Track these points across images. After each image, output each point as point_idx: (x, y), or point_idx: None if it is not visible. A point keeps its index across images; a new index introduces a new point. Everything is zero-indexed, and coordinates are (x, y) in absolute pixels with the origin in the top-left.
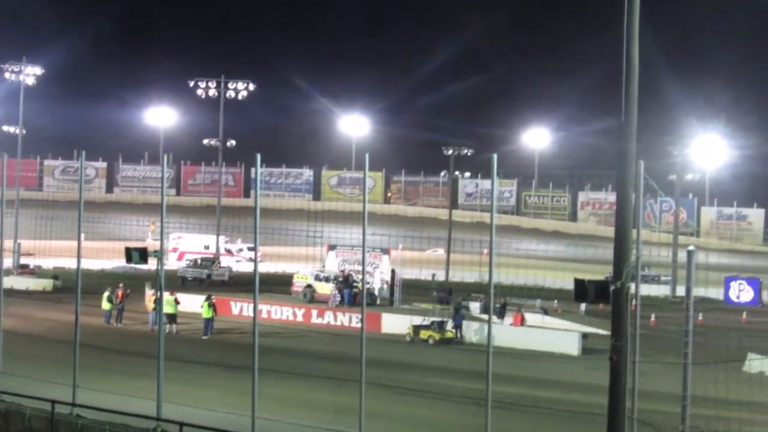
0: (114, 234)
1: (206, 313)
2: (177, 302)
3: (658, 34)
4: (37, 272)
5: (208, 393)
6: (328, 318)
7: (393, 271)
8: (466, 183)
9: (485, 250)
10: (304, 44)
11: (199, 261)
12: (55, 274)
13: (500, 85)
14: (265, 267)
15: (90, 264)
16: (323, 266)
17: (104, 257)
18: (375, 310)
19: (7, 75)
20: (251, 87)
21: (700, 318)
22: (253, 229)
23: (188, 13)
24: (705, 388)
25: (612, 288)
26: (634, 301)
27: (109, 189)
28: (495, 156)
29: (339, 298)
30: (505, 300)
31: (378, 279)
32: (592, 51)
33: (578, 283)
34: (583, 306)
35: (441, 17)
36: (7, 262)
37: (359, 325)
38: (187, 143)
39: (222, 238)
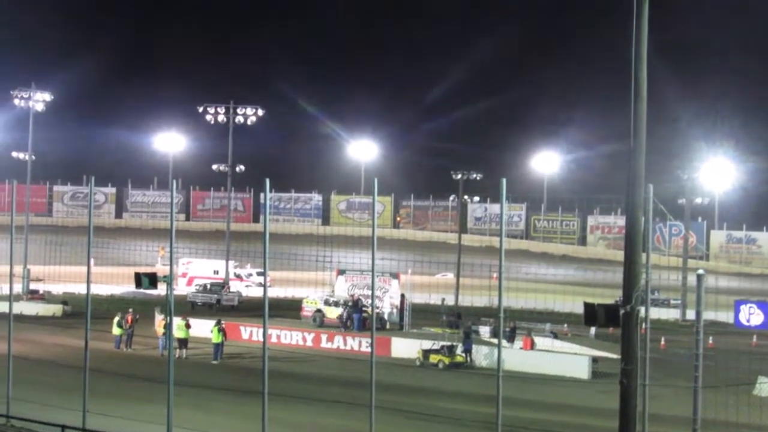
0: (123, 259)
1: (216, 337)
2: (188, 327)
3: (667, 58)
4: (46, 298)
5: (217, 418)
6: (338, 342)
7: (402, 296)
8: (475, 207)
9: (495, 274)
10: (313, 69)
11: (208, 286)
12: (65, 300)
13: (509, 110)
14: (275, 292)
15: (99, 289)
16: (333, 291)
17: (114, 282)
18: (385, 335)
19: (16, 101)
20: (260, 112)
21: (711, 341)
22: (263, 253)
23: (197, 39)
24: (715, 412)
25: (622, 312)
26: (643, 325)
27: (119, 214)
28: (504, 180)
29: (345, 325)
30: (515, 324)
31: (387, 303)
32: (601, 75)
33: (588, 306)
34: (593, 330)
35: (450, 42)
36: (17, 288)
37: (369, 350)
38: (197, 169)
39: (231, 263)
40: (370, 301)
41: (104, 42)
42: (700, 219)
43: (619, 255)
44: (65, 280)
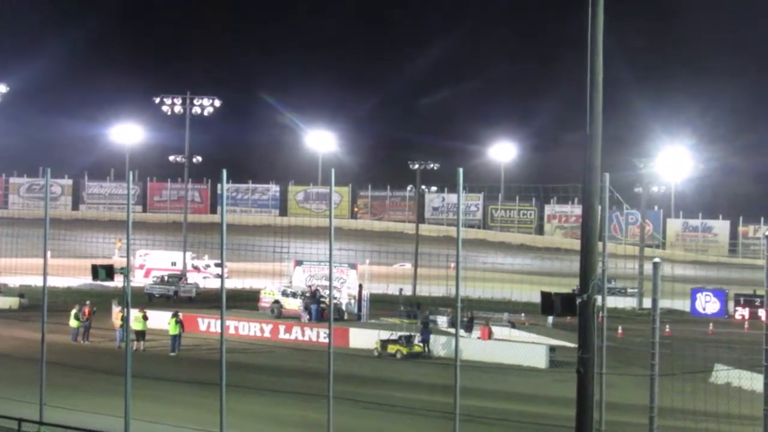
0: (80, 251)
1: (173, 329)
2: (145, 318)
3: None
4: (2, 290)
5: (176, 410)
6: (296, 333)
7: (360, 286)
8: (433, 197)
9: (452, 264)
10: (270, 60)
11: (166, 278)
12: (21, 292)
13: (466, 100)
14: (233, 283)
15: (56, 281)
16: (290, 282)
17: (71, 275)
18: (343, 325)
19: None
20: (217, 103)
21: (667, 330)
22: (220, 245)
23: (154, 29)
24: (672, 400)
25: (578, 301)
26: (600, 314)
27: (75, 206)
28: (461, 170)
29: (308, 316)
30: (473, 314)
31: (345, 294)
32: (558, 65)
33: (545, 296)
34: (550, 319)
35: (408, 33)
36: None
37: (327, 341)
38: (153, 160)
39: (189, 255)
40: (327, 291)
41: (60, 33)
42: (656, 207)
43: (576, 244)
44: (21, 272)
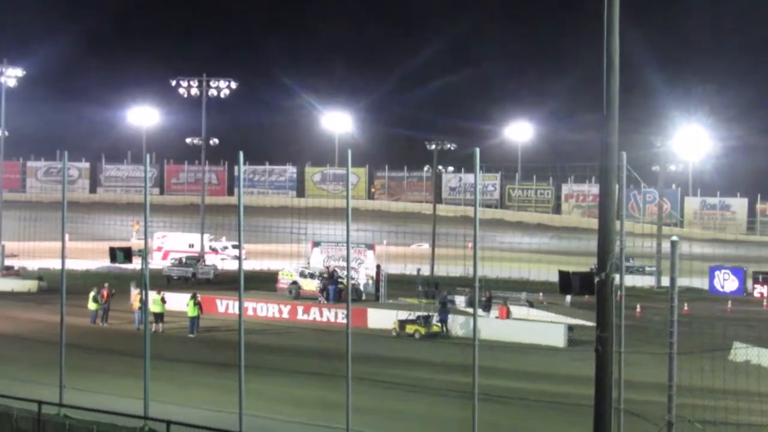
0: (98, 234)
1: (192, 311)
2: (164, 301)
3: (639, 26)
4: (21, 273)
5: (195, 391)
6: (314, 314)
7: (378, 267)
8: (450, 177)
9: (470, 244)
10: (287, 41)
11: (183, 260)
12: (40, 275)
13: (483, 80)
14: (250, 264)
15: (75, 264)
16: (308, 263)
17: (89, 257)
18: (360, 306)
19: None
20: (233, 85)
21: (686, 308)
22: (238, 226)
23: (170, 12)
24: (691, 378)
25: (596, 279)
26: (618, 292)
27: (93, 189)
28: (478, 150)
29: (324, 298)
30: (491, 293)
31: (363, 275)
32: (575, 44)
33: (563, 275)
34: (568, 298)
35: (424, 13)
36: None
37: (345, 321)
38: (170, 142)
39: (206, 237)
40: (345, 272)
41: (77, 16)
42: (674, 186)
43: (594, 223)
44: (40, 255)
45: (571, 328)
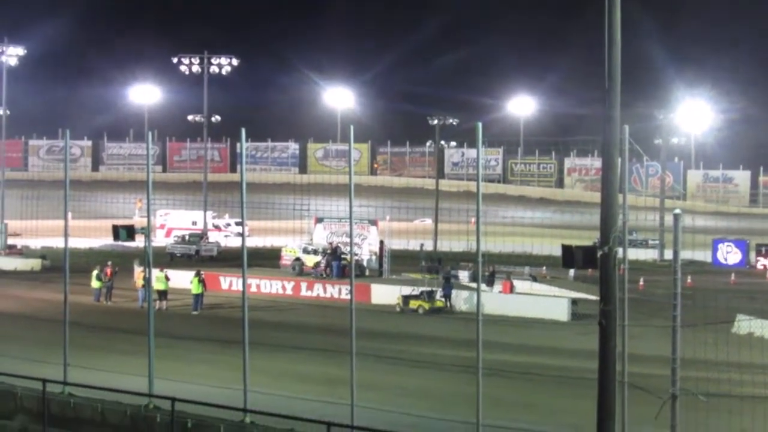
0: (101, 212)
1: (196, 288)
2: (167, 279)
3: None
4: (24, 252)
5: (199, 368)
6: (318, 290)
7: (381, 242)
8: (452, 152)
9: (473, 219)
10: (287, 17)
11: (187, 237)
12: (43, 254)
13: (485, 54)
14: (253, 241)
15: (78, 243)
16: (311, 239)
17: (92, 236)
18: (364, 282)
19: None
20: (235, 62)
21: (689, 281)
22: (240, 203)
23: None
24: (694, 351)
25: (600, 253)
26: (622, 266)
27: (95, 167)
28: (480, 124)
29: (323, 270)
30: (494, 268)
31: (366, 250)
32: (576, 18)
33: (566, 249)
34: (571, 272)
35: None
36: None
37: (349, 297)
38: (172, 120)
39: (209, 214)
40: (348, 248)
41: None
42: (676, 159)
43: (597, 197)
44: (43, 234)
45: (574, 301)
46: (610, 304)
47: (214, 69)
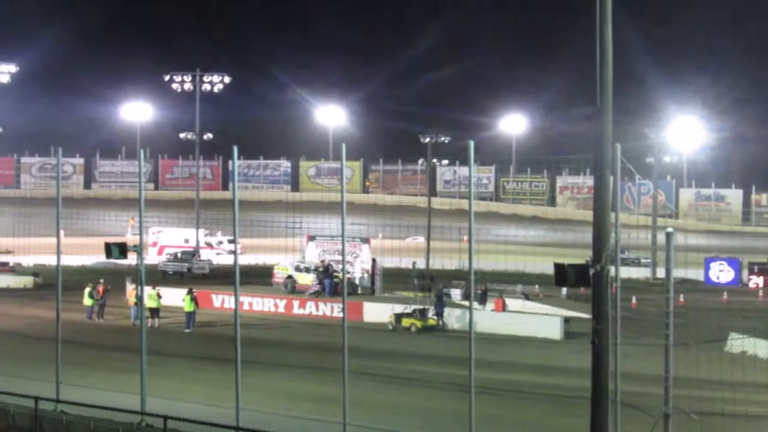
0: (93, 230)
1: (188, 306)
2: (159, 296)
3: (633, 16)
4: (16, 270)
5: (192, 386)
6: (310, 308)
7: (373, 260)
8: (444, 170)
9: (465, 237)
10: (279, 36)
11: (179, 255)
12: (35, 271)
13: (476, 73)
14: (246, 259)
15: (70, 260)
16: (303, 257)
17: (84, 253)
18: (356, 300)
19: None
20: (227, 80)
21: (681, 299)
22: (233, 221)
23: (162, 6)
24: (687, 369)
25: (592, 271)
26: (614, 284)
27: (87, 185)
28: (472, 143)
29: (317, 287)
30: (486, 286)
31: (359, 268)
32: (568, 36)
33: (558, 267)
34: (564, 290)
35: (415, 5)
36: None
37: (341, 315)
38: (164, 137)
39: (202, 231)
40: (341, 266)
41: (69, 11)
42: (668, 177)
43: (589, 215)
44: (35, 251)
45: (567, 320)
46: (602, 323)
47: (206, 87)
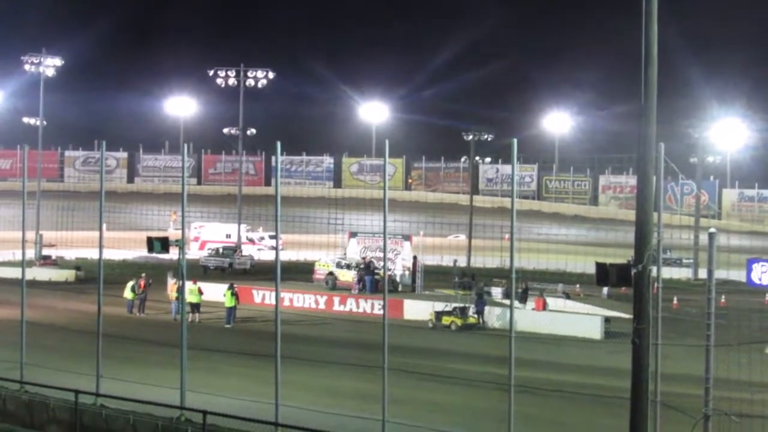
0: (135, 224)
1: (229, 301)
2: (200, 292)
3: (678, 16)
4: (59, 263)
5: (231, 381)
6: (350, 305)
7: (415, 258)
8: (487, 168)
9: (506, 235)
10: (324, 31)
11: (220, 250)
12: (78, 265)
13: (520, 70)
14: (287, 255)
15: (112, 254)
16: (345, 253)
17: (126, 247)
18: (397, 297)
19: (27, 67)
20: (270, 75)
21: (723, 300)
22: (275, 217)
23: (208, 2)
24: (728, 371)
25: (633, 271)
26: (655, 284)
27: (130, 179)
28: (515, 141)
29: (359, 287)
30: (527, 285)
31: (400, 265)
32: (612, 34)
33: (600, 266)
34: (605, 290)
35: (460, 3)
36: (30, 254)
37: (381, 312)
38: (208, 132)
39: (243, 227)
40: (382, 263)
41: (114, 6)
42: (711, 178)
43: (631, 215)
44: (77, 245)
45: (607, 319)
46: (643, 323)
47: (250, 82)
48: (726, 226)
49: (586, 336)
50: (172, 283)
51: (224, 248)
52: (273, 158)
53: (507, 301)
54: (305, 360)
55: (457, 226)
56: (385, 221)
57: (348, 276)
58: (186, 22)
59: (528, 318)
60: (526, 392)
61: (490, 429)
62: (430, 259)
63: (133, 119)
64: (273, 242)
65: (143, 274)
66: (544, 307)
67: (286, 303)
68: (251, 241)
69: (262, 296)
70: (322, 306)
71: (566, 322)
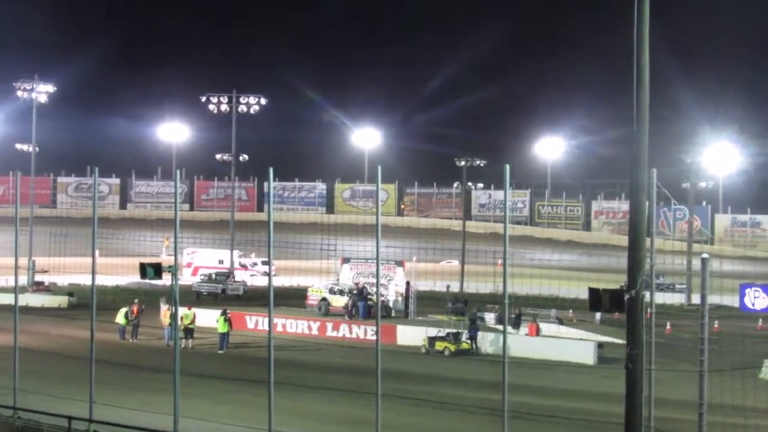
0: (128, 250)
1: (222, 327)
2: (193, 317)
3: (669, 42)
4: (52, 289)
5: (224, 407)
6: (344, 331)
7: (407, 283)
8: (479, 194)
9: (499, 261)
10: (316, 58)
11: (213, 276)
12: (70, 291)
13: (512, 96)
14: (280, 281)
15: (105, 280)
16: (338, 279)
17: (119, 273)
18: (390, 323)
19: (19, 93)
20: (263, 101)
21: (716, 325)
22: (267, 243)
23: (199, 28)
24: (721, 396)
25: (627, 297)
26: (649, 310)
27: (123, 205)
28: (507, 167)
29: (349, 314)
30: (520, 310)
31: (392, 291)
32: (604, 60)
33: (593, 292)
34: (598, 315)
35: (452, 29)
36: (22, 280)
37: (374, 338)
38: (200, 158)
39: (236, 253)
40: (375, 289)
41: (106, 32)
42: (704, 203)
43: (624, 240)
44: (70, 271)
45: (600, 345)
46: (636, 348)
47: (242, 108)
48: (719, 252)
49: (580, 361)
50: (165, 309)
51: (217, 274)
52: (265, 184)
53: (500, 327)
54: (299, 386)
55: (450, 251)
56: (377, 247)
57: (341, 302)
58: (178, 49)
59: (521, 343)
60: (520, 418)
61: None
62: (423, 285)
63: (125, 145)
64: (266, 268)
65: (136, 300)
66: (538, 332)
67: (279, 328)
68: (244, 266)
69: (255, 322)
70: (315, 332)
71: (559, 348)
